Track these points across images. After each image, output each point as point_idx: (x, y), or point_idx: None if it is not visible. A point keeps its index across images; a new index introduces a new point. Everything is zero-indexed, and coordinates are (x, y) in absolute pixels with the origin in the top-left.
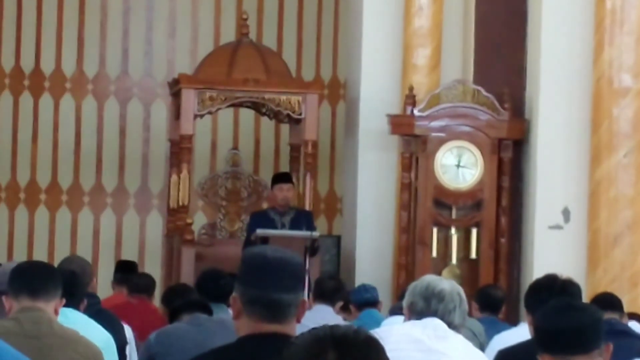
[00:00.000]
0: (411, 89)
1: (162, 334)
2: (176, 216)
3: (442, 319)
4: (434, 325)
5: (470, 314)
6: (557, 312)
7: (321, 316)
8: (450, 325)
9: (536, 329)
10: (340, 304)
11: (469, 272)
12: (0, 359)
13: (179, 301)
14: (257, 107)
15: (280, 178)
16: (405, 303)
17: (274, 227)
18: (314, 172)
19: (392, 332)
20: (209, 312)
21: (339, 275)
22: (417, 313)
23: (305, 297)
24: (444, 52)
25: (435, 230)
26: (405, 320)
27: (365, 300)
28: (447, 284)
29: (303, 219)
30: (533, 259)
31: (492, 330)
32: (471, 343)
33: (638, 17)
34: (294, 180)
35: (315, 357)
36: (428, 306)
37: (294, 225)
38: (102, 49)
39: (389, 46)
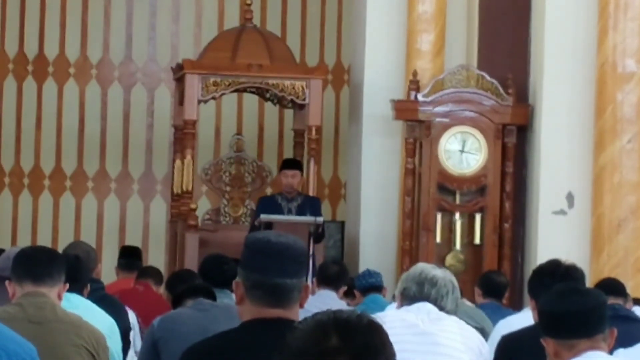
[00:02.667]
0: (415, 74)
1: (166, 319)
2: (180, 202)
3: (434, 303)
4: (427, 309)
5: (473, 300)
6: (561, 296)
7: (325, 301)
8: (443, 310)
9: (540, 313)
10: (343, 289)
11: (472, 257)
12: (3, 343)
13: (183, 286)
14: (261, 92)
15: (286, 164)
16: (397, 290)
17: (281, 212)
18: (318, 157)
19: (387, 317)
20: (213, 297)
21: (343, 260)
22: (409, 298)
23: (309, 282)
24: (448, 38)
25: (439, 215)
26: (397, 307)
27: (369, 285)
28: (440, 271)
29: (309, 206)
30: (537, 244)
31: (496, 315)
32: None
33: None
34: None
35: (318, 342)
36: (421, 290)
37: (300, 211)
38: (106, 35)
39: (393, 31)
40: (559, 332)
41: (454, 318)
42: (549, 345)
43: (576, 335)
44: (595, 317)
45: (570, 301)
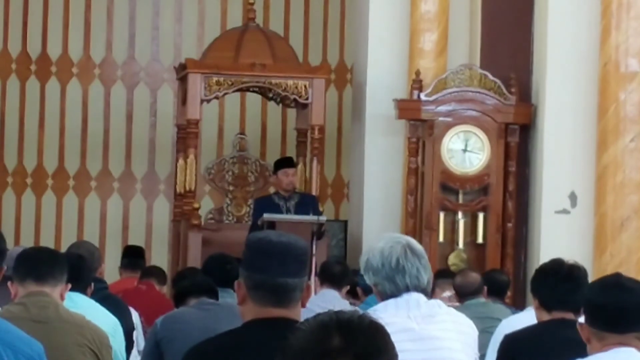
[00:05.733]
0: (418, 73)
1: (169, 318)
2: (183, 201)
3: (415, 289)
4: (416, 302)
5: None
6: (603, 287)
7: (327, 300)
8: (424, 290)
9: (584, 299)
10: (346, 288)
11: (475, 256)
12: (10, 342)
13: (185, 283)
14: (264, 91)
15: (285, 163)
16: (369, 281)
17: (279, 212)
18: (321, 157)
19: (381, 321)
20: (215, 294)
21: (345, 259)
22: (388, 295)
23: (312, 282)
24: (451, 37)
25: (442, 214)
26: (377, 300)
27: None
28: (398, 248)
29: (308, 204)
30: (540, 243)
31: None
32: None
33: None
34: (301, 165)
35: (320, 342)
36: (395, 286)
37: (299, 210)
38: (109, 34)
39: (396, 31)
40: (593, 322)
41: (445, 310)
42: (583, 329)
43: (607, 329)
44: (631, 315)
45: (609, 294)
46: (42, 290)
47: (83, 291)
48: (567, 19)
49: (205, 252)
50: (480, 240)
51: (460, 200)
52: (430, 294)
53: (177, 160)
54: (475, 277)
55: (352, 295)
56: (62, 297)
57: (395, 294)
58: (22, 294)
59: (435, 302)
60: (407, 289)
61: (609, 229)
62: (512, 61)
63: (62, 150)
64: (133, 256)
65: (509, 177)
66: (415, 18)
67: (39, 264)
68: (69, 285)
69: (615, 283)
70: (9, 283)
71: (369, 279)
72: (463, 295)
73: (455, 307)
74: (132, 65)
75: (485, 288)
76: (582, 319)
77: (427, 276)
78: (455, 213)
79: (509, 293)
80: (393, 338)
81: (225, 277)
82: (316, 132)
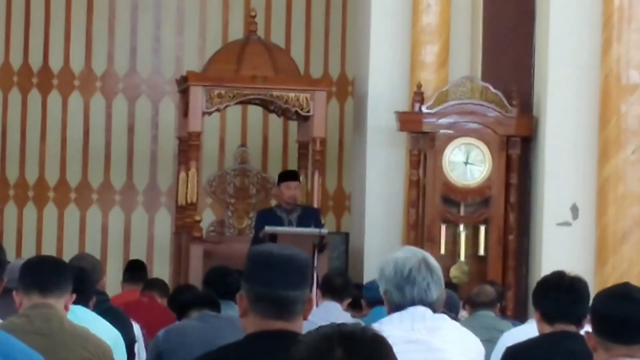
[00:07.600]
0: (419, 86)
1: (171, 331)
2: (184, 213)
3: (422, 303)
4: (422, 315)
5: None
6: (610, 297)
7: (329, 313)
8: (432, 305)
9: (591, 307)
10: (348, 300)
11: (477, 269)
12: (10, 354)
13: (187, 295)
14: (265, 104)
15: (288, 176)
16: (380, 289)
17: (281, 224)
18: (322, 169)
19: (385, 333)
20: (217, 307)
21: (347, 272)
22: (395, 305)
23: (313, 294)
24: (452, 49)
25: (443, 227)
26: (388, 312)
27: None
28: (413, 260)
29: (311, 216)
30: (541, 255)
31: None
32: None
33: None
34: (303, 177)
35: (322, 355)
36: (403, 296)
37: (301, 223)
38: (110, 47)
39: (397, 43)
40: (599, 331)
41: (451, 324)
42: (589, 338)
43: (613, 339)
44: (638, 326)
45: (616, 305)
46: (47, 302)
47: (85, 304)
48: (569, 31)
49: (206, 264)
50: (481, 252)
51: (462, 213)
52: (438, 310)
53: (178, 173)
54: (491, 290)
55: (354, 308)
56: (66, 308)
57: (402, 304)
58: (27, 304)
59: (441, 316)
60: (414, 302)
61: (610, 241)
62: (513, 73)
63: (64, 163)
64: (134, 269)
65: (511, 189)
66: (416, 30)
67: (43, 275)
68: (74, 296)
69: (622, 293)
70: (14, 292)
71: (381, 287)
72: (476, 306)
73: (464, 317)
74: (134, 78)
75: (499, 305)
76: (588, 328)
77: (437, 292)
78: (456, 225)
79: (510, 305)
80: (396, 349)
81: (226, 290)
82: (317, 144)
